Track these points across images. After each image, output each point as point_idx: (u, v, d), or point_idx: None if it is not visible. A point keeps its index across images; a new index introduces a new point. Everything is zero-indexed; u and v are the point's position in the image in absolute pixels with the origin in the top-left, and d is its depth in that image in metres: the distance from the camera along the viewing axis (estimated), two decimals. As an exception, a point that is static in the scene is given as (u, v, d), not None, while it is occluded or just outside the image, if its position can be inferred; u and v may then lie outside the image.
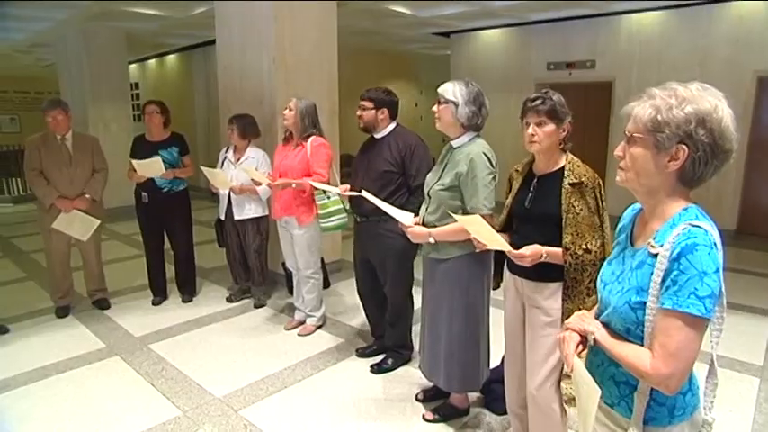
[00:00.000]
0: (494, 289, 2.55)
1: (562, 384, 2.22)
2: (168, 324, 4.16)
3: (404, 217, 2.69)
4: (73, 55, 8.44)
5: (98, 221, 4.26)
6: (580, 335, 1.37)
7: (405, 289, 3.31)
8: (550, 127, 2.06)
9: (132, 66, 12.23)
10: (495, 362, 2.93)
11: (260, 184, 3.67)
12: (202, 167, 3.93)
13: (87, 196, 4.19)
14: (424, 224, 2.65)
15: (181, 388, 3.22)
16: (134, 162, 4.12)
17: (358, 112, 3.15)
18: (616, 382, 1.35)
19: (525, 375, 2.25)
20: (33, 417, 2.97)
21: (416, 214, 2.74)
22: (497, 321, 2.80)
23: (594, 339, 1.33)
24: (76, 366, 3.53)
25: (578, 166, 2.09)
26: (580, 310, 1.52)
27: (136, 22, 7.90)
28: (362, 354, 3.58)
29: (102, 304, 4.54)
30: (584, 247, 2.01)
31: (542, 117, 2.06)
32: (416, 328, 3.59)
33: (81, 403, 3.09)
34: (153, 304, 4.56)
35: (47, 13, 7.30)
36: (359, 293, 3.55)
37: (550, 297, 2.11)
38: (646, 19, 7.07)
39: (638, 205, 1.42)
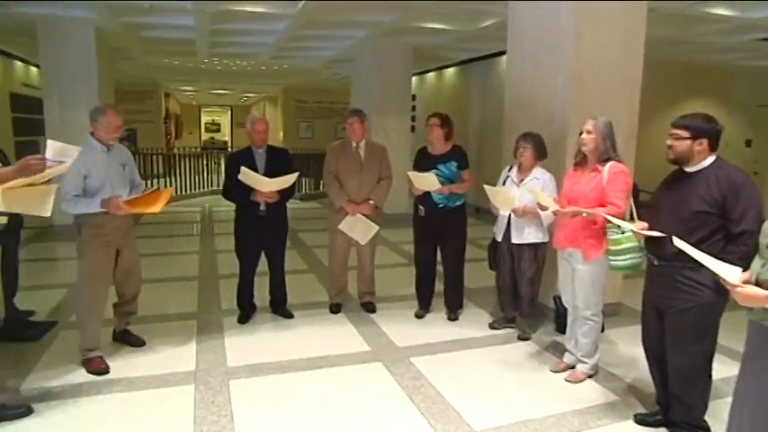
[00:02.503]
0: None
1: None
2: (430, 340, 4.33)
3: (727, 272, 2.29)
4: (365, 68, 9.56)
5: (377, 227, 4.67)
6: None
7: (703, 354, 2.85)
8: None
9: (412, 78, 13.34)
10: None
11: (546, 209, 3.57)
12: (486, 186, 4.00)
13: (371, 202, 4.63)
14: (757, 283, 2.22)
15: (439, 410, 3.29)
16: (409, 173, 4.42)
17: (668, 142, 2.82)
18: None
19: None
20: (303, 401, 3.35)
21: (744, 269, 2.32)
22: None
23: None
24: (343, 364, 3.90)
25: None
26: None
27: (425, 37, 8.57)
28: (642, 421, 3.19)
29: (370, 307, 4.96)
30: None
31: None
32: (715, 404, 3.08)
33: (343, 401, 3.38)
34: (416, 316, 4.82)
35: (352, 31, 8.42)
36: (644, 347, 3.17)
37: None
38: None
39: None
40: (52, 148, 2.83)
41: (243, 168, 4.15)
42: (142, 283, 4.15)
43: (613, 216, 3.15)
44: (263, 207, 4.39)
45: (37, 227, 7.85)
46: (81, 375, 3.61)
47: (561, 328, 4.25)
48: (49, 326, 4.39)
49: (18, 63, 10.80)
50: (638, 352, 3.30)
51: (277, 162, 4.44)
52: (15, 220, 3.66)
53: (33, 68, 11.37)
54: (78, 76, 7.73)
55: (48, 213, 2.84)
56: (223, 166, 14.73)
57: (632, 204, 3.25)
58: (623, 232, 3.12)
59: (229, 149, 25.42)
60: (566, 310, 3.84)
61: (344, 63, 11.40)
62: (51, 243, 7.63)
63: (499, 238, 4.31)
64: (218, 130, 31.70)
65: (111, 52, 9.14)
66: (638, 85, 4.63)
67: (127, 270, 3.93)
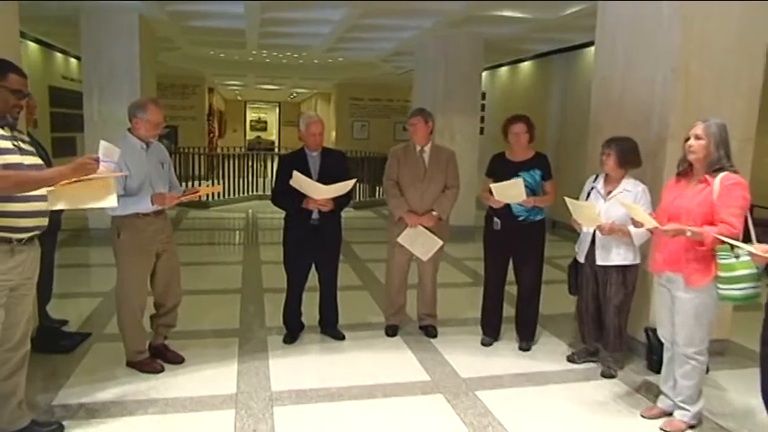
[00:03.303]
0: None
1: None
2: (498, 371, 4.26)
3: None
4: (430, 62, 9.55)
5: (441, 242, 4.63)
6: None
7: None
8: None
9: (483, 73, 13.25)
10: None
11: (641, 225, 3.42)
12: (567, 199, 3.90)
13: (435, 213, 4.60)
14: None
15: (509, 454, 3.21)
16: (492, 186, 4.34)
17: None
18: None
19: None
20: (360, 438, 3.35)
21: None
22: None
23: None
24: (400, 394, 3.87)
25: None
26: None
27: (498, 27, 8.49)
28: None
29: (430, 331, 4.91)
30: None
31: None
32: None
33: (404, 438, 3.35)
34: (482, 344, 4.74)
35: (415, 21, 8.44)
36: (765, 398, 2.98)
37: None
38: None
39: None
40: (103, 148, 2.96)
41: (295, 173, 4.21)
42: (182, 291, 4.27)
43: (726, 236, 3.00)
44: (315, 215, 4.44)
45: (71, 229, 8.21)
46: (114, 393, 3.71)
47: (655, 367, 4.09)
48: (82, 337, 4.55)
49: (58, 55, 11.38)
50: (756, 403, 3.11)
51: (332, 166, 4.49)
52: (55, 221, 3.82)
53: (73, 60, 11.96)
54: (120, 68, 8.09)
55: (116, 203, 3.05)
56: (269, 169, 15.14)
57: (749, 223, 3.08)
58: (737, 256, 2.96)
59: (276, 150, 26.03)
60: (661, 345, 3.69)
61: (406, 56, 11.46)
62: (86, 247, 7.97)
63: (581, 259, 4.20)
64: (265, 129, 32.50)
65: (154, 43, 9.50)
66: (759, 82, 4.42)
67: (167, 277, 4.08)
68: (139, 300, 3.98)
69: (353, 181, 4.37)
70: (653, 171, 4.25)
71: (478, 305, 4.87)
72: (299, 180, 4.22)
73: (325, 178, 4.33)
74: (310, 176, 4.34)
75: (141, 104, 3.85)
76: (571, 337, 4.88)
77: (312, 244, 4.52)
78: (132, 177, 3.76)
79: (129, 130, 3.87)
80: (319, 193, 4.28)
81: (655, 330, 3.82)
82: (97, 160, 2.84)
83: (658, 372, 3.81)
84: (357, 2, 7.15)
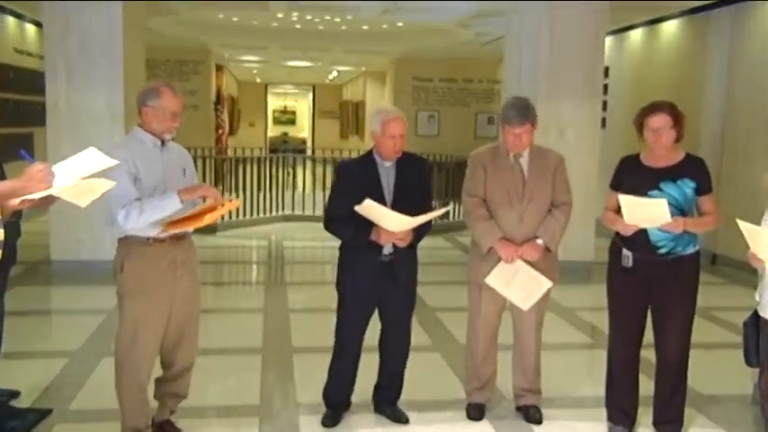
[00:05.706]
0: None
1: None
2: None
3: None
4: (529, 26, 9.44)
5: (549, 283, 4.53)
6: None
7: None
8: None
9: (605, 40, 13.09)
10: None
11: None
12: (741, 223, 3.76)
13: (540, 242, 4.52)
14: None
15: None
16: (622, 199, 4.22)
17: None
18: None
19: None
20: None
21: None
22: None
23: None
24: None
25: None
26: None
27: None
28: None
29: (532, 414, 4.80)
30: None
31: None
32: None
33: None
34: (608, 438, 4.63)
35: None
36: None
37: None
38: None
39: None
40: (88, 156, 3.05)
41: (367, 201, 4.11)
42: (197, 350, 4.35)
43: None
44: (387, 250, 4.45)
45: (26, 262, 8.38)
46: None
47: None
48: (38, 416, 4.59)
49: (10, 20, 11.75)
50: None
51: (410, 180, 4.51)
52: (7, 254, 3.86)
53: (30, 27, 12.37)
54: (96, 39, 8.29)
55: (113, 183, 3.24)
56: (300, 178, 15.18)
57: None
58: None
59: (310, 152, 26.24)
60: None
61: (494, 19, 11.46)
62: (45, 286, 8.18)
63: (766, 314, 4.05)
64: (294, 122, 33.01)
65: (142, 4, 9.69)
66: None
67: (180, 327, 4.16)
68: (146, 358, 4.05)
69: (448, 209, 4.36)
70: None
71: (601, 377, 4.76)
72: (371, 209, 4.15)
73: (401, 198, 4.37)
74: (381, 194, 4.34)
75: (152, 89, 4.02)
76: (749, 430, 4.71)
77: (381, 288, 4.49)
78: (141, 181, 3.91)
79: (138, 125, 4.05)
80: (399, 224, 4.25)
81: None
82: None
83: None
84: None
